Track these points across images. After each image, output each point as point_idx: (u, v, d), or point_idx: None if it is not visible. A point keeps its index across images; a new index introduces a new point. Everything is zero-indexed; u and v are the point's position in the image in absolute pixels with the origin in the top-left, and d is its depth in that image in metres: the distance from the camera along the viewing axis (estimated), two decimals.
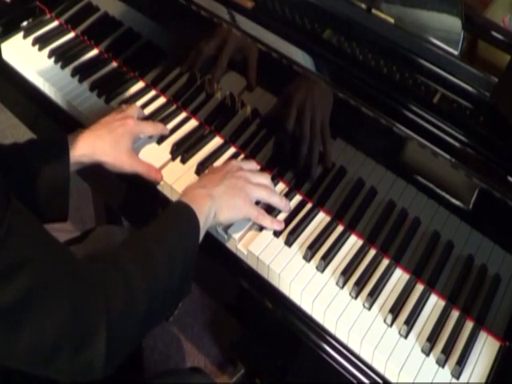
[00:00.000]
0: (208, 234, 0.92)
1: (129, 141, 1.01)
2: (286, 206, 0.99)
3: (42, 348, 0.66)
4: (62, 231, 1.87)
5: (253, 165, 1.03)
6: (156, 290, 0.77)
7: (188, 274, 0.84)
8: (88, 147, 0.97)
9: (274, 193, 0.99)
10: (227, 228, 0.96)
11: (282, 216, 0.99)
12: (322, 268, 0.93)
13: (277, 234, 0.96)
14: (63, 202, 0.95)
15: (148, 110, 1.14)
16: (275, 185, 1.03)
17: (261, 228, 0.97)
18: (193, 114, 1.13)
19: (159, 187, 1.04)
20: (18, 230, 0.65)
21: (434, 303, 0.91)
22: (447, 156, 0.82)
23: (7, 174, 0.89)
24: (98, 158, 0.99)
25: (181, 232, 0.85)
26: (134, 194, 1.12)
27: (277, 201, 0.98)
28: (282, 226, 0.96)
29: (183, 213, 0.87)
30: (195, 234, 0.86)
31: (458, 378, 0.83)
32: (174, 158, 1.06)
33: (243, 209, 0.93)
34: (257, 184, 0.97)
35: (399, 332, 0.87)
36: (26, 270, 0.64)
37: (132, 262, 0.76)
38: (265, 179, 0.99)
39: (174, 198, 1.02)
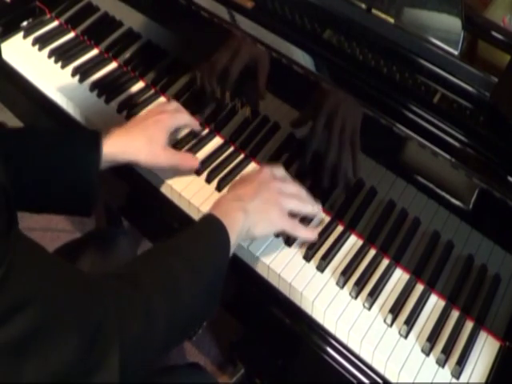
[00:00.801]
0: None
1: (163, 136, 0.99)
2: (318, 212, 0.97)
3: (50, 378, 0.63)
4: (62, 231, 1.89)
5: (281, 171, 0.98)
6: (177, 313, 0.74)
7: (215, 295, 0.81)
8: (120, 146, 0.96)
9: (306, 201, 0.96)
10: None
11: None
12: (322, 268, 0.93)
13: (277, 234, 0.96)
14: (89, 197, 0.93)
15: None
16: None
17: None
18: (193, 113, 1.13)
19: (158, 187, 1.04)
20: (20, 264, 0.61)
21: (434, 303, 0.91)
22: (447, 156, 0.82)
23: (35, 158, 0.88)
24: (131, 157, 0.97)
25: (209, 249, 0.82)
26: (134, 194, 1.12)
27: (309, 210, 0.95)
28: (315, 235, 0.94)
29: (213, 228, 0.84)
30: (225, 252, 0.83)
31: (458, 378, 0.83)
32: None
33: (278, 223, 0.91)
34: (290, 194, 0.94)
35: (399, 332, 0.87)
36: (31, 305, 0.60)
37: (153, 283, 0.73)
38: (296, 188, 0.96)
39: (173, 197, 1.03)
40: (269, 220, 0.90)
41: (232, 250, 0.85)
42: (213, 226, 0.84)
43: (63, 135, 0.96)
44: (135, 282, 0.72)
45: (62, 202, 0.94)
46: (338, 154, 0.94)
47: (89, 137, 0.95)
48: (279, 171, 0.97)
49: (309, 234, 0.94)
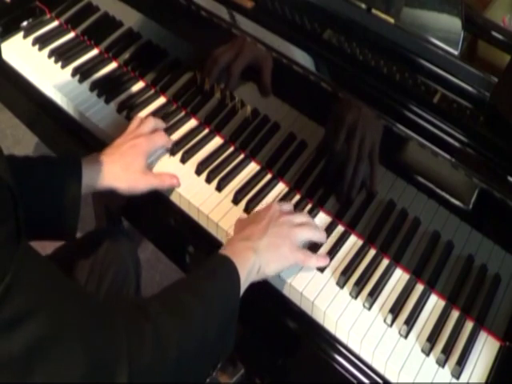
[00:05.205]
0: None
1: (142, 161, 0.99)
2: (324, 237, 0.96)
3: None
4: None
5: (290, 205, 0.98)
6: (189, 343, 0.74)
7: (227, 332, 0.80)
8: (100, 172, 0.95)
9: (315, 228, 0.95)
10: None
11: None
12: (322, 268, 0.93)
13: None
14: (71, 222, 0.92)
15: (148, 110, 1.14)
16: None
17: None
18: (193, 113, 1.13)
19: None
20: (26, 275, 0.61)
21: (434, 303, 0.91)
22: (447, 156, 0.82)
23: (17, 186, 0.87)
24: (109, 185, 0.96)
25: (219, 286, 0.82)
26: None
27: (319, 236, 0.95)
28: (328, 260, 0.94)
29: (223, 266, 0.83)
30: (236, 291, 0.83)
31: (458, 378, 0.84)
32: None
33: (290, 257, 0.90)
34: (299, 225, 0.93)
35: (399, 332, 0.87)
36: (35, 317, 0.60)
37: (163, 312, 0.72)
38: (305, 217, 0.96)
39: (173, 197, 1.03)
40: (280, 256, 0.89)
41: (243, 289, 0.84)
42: (223, 265, 0.84)
43: (44, 163, 0.94)
44: (145, 311, 0.72)
45: (43, 229, 0.92)
46: (337, 154, 0.95)
47: (70, 165, 0.93)
48: (287, 205, 0.97)
49: (321, 261, 0.93)
